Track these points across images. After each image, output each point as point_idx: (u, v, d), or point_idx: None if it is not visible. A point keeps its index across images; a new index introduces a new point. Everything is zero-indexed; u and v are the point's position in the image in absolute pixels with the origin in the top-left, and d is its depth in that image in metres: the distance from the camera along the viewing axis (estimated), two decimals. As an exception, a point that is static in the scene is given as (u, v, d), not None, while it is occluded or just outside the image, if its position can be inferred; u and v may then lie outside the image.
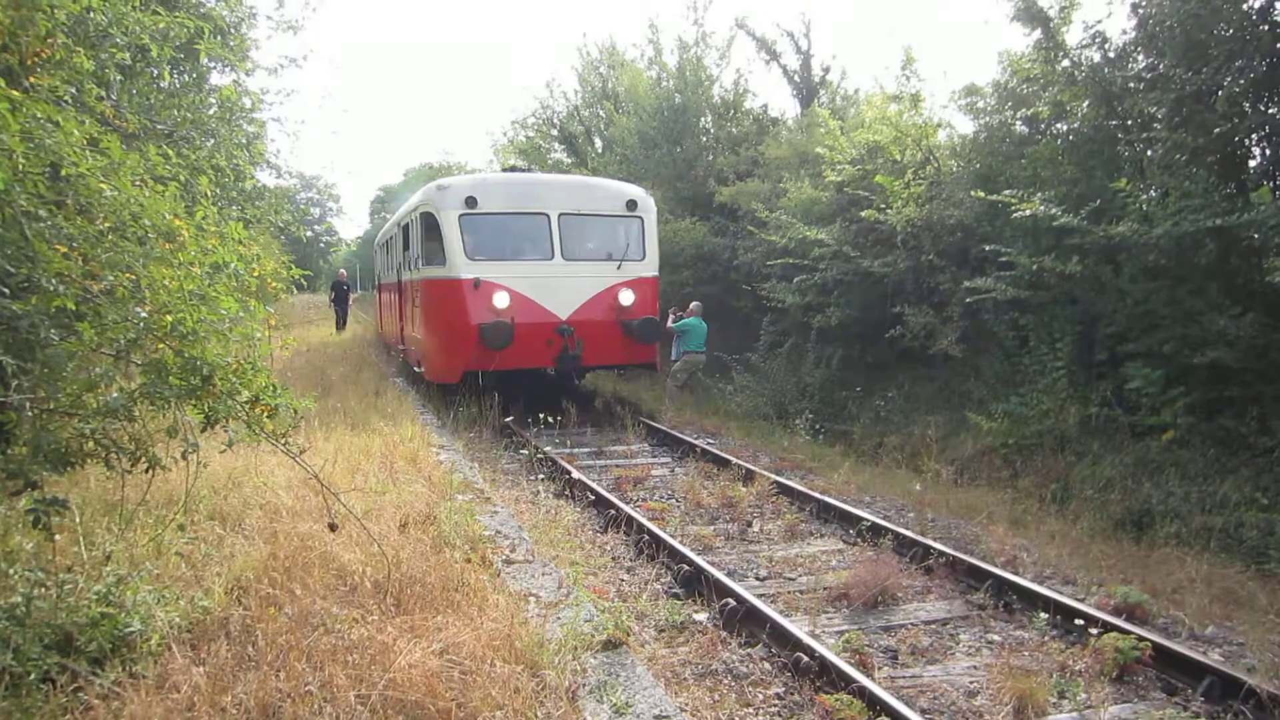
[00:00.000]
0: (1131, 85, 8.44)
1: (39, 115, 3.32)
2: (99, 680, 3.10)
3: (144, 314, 3.43)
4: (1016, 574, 5.58)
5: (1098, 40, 8.79)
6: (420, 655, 3.26)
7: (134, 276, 3.48)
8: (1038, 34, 9.26)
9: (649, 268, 11.35)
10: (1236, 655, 4.62)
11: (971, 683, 4.30)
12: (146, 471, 3.64)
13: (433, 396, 11.55)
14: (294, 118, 69.83)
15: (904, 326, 10.85)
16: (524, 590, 4.54)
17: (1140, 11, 8.21)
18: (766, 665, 4.48)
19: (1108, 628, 4.59)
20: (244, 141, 9.67)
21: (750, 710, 4.05)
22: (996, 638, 4.88)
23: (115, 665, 3.23)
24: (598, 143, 24.39)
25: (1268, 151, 7.87)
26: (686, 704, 3.98)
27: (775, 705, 4.09)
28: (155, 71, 8.09)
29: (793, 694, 4.18)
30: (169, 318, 3.43)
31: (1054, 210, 8.29)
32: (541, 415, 9.61)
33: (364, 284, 45.25)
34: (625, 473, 8.57)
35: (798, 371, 12.67)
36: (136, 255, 3.49)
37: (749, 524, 7.00)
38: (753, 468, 8.30)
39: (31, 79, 4.15)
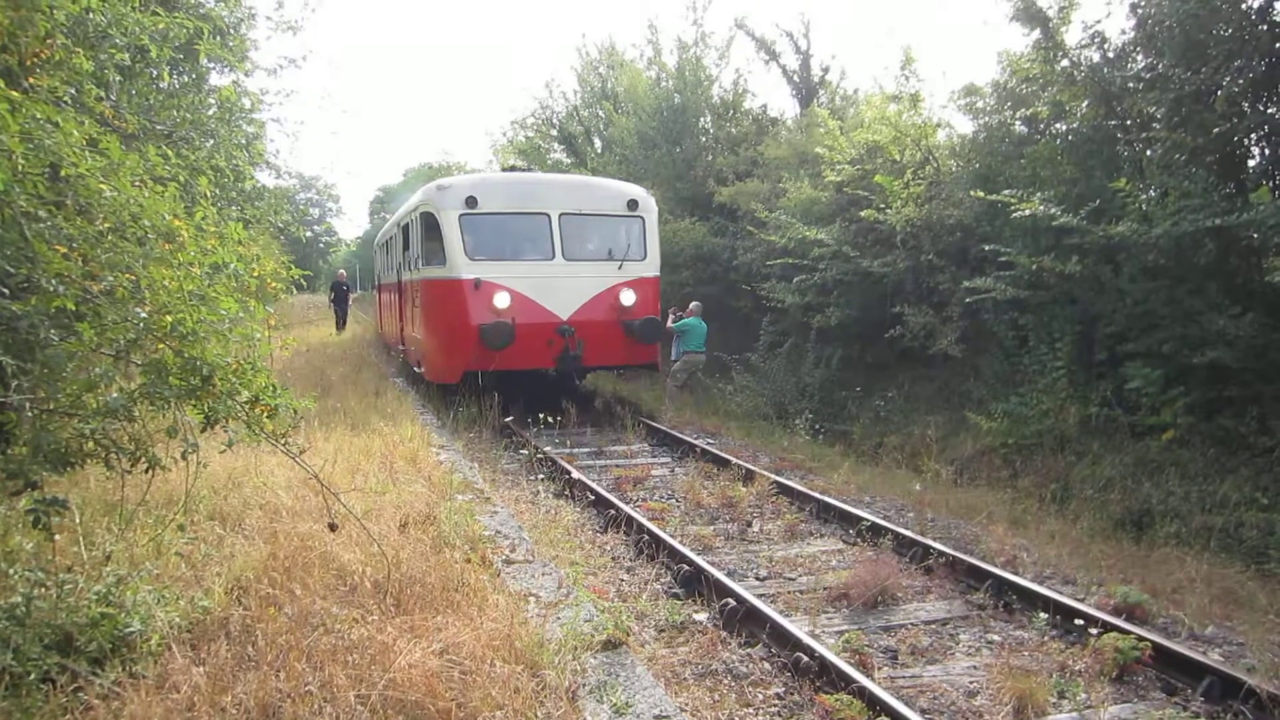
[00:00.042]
0: (1131, 85, 8.45)
1: (38, 116, 3.32)
2: (99, 680, 3.10)
3: (144, 314, 3.43)
4: (1016, 574, 5.58)
5: (1097, 40, 8.80)
6: (420, 655, 3.26)
7: (134, 277, 3.48)
8: (1037, 34, 9.28)
9: (650, 268, 11.34)
10: (1236, 655, 4.62)
11: (971, 683, 4.30)
12: (146, 471, 3.64)
13: (432, 397, 11.55)
14: (293, 118, 69.87)
15: (904, 326, 10.85)
16: (524, 590, 4.54)
17: (1139, 11, 8.22)
18: (766, 665, 4.48)
19: (1107, 628, 4.59)
20: (243, 142, 9.68)
21: (750, 710, 4.05)
22: (996, 638, 4.88)
23: (115, 665, 3.23)
24: (597, 143, 24.39)
25: (1267, 151, 7.88)
26: (686, 704, 3.98)
27: (775, 705, 4.09)
28: (155, 72, 8.09)
29: (792, 694, 4.18)
30: (169, 318, 3.43)
31: (1053, 210, 8.29)
32: (541, 415, 9.60)
33: (364, 284, 45.25)
34: (625, 473, 8.57)
35: (797, 371, 12.67)
36: (136, 256, 3.49)
37: (749, 524, 7.00)
38: (752, 468, 8.30)
39: (31, 80, 4.16)
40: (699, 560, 5.66)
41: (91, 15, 5.32)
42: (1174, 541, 6.41)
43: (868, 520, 6.61)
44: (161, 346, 3.46)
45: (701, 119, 19.19)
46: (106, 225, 3.55)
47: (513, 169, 14.97)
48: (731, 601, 4.98)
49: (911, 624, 5.03)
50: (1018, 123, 10.30)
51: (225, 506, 5.28)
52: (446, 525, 5.18)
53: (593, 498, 7.43)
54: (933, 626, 5.04)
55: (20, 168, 3.18)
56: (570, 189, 11.46)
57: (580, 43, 36.72)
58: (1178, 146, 7.86)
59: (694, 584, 5.43)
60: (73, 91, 4.56)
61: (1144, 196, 8.20)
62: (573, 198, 11.11)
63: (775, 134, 17.50)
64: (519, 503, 7.05)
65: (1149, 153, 8.65)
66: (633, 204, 11.27)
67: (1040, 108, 9.67)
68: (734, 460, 8.61)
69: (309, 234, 42.63)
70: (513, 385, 10.92)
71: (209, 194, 4.83)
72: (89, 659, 3.23)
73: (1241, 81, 7.36)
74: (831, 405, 11.96)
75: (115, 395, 3.47)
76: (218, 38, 8.25)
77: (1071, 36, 9.20)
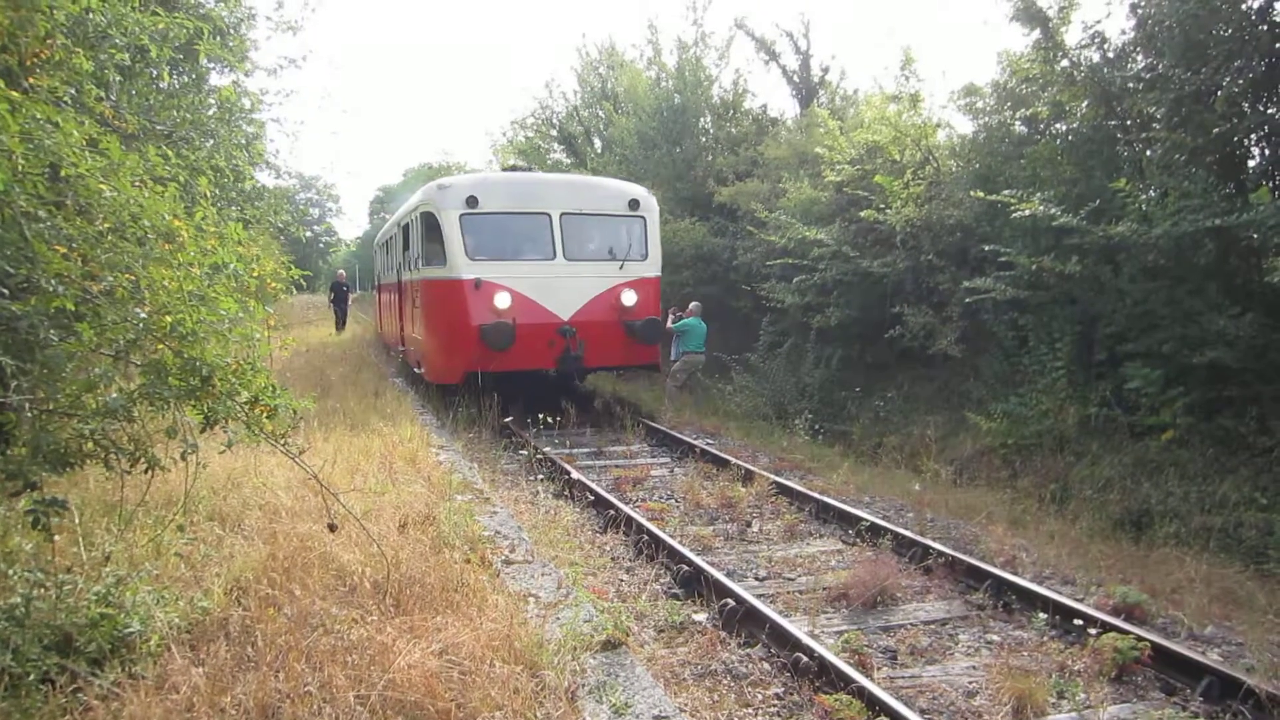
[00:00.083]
0: (1130, 85, 8.45)
1: (38, 116, 3.33)
2: (98, 681, 3.10)
3: (143, 314, 3.44)
4: (1016, 574, 5.58)
5: (1097, 40, 8.80)
6: (420, 656, 3.26)
7: (133, 277, 3.48)
8: (1037, 34, 9.28)
9: (651, 268, 11.32)
10: (1235, 655, 4.62)
11: (970, 683, 4.30)
12: (146, 472, 3.64)
13: (432, 397, 11.55)
14: (293, 118, 69.84)
15: (903, 326, 10.85)
16: (523, 590, 4.54)
17: (1139, 12, 8.22)
18: (766, 665, 4.48)
19: (1107, 628, 4.60)
20: (243, 142, 9.68)
21: (749, 710, 4.05)
22: (995, 638, 4.88)
23: (114, 666, 3.23)
24: (597, 143, 24.39)
25: (1266, 151, 7.88)
26: (686, 704, 3.98)
27: (774, 705, 4.10)
28: (154, 72, 8.09)
29: (792, 694, 4.19)
30: (168, 318, 3.44)
31: (1053, 210, 8.30)
32: (541, 415, 9.60)
33: (364, 284, 45.25)
34: (624, 473, 8.57)
35: (797, 372, 12.67)
36: (136, 256, 3.49)
37: (748, 524, 7.00)
38: (752, 468, 8.30)
39: (31, 80, 4.16)
40: (698, 560, 5.66)
41: (91, 15, 5.32)
42: (1173, 541, 6.41)
43: (867, 520, 6.61)
44: (161, 347, 3.46)
45: (701, 119, 19.20)
46: (106, 225, 3.55)
47: (513, 169, 14.94)
48: (731, 602, 4.98)
49: (911, 624, 5.04)
50: (1018, 123, 10.30)
51: (225, 507, 5.28)
52: (446, 525, 5.18)
53: (592, 498, 7.43)
54: (932, 626, 5.04)
55: (20, 168, 3.18)
56: (571, 189, 11.44)
57: (580, 43, 36.80)
58: (1178, 147, 7.87)
59: (693, 584, 5.43)
60: (73, 91, 4.56)
61: (1144, 197, 8.21)
62: (574, 197, 11.09)
63: (775, 134, 17.51)
64: (518, 503, 7.05)
65: (1149, 153, 8.66)
66: (634, 204, 11.25)
67: (1040, 108, 9.68)
68: (733, 460, 8.60)
69: (309, 234, 42.65)
70: (512, 385, 10.90)
71: (209, 194, 4.84)
72: (88, 660, 3.23)
73: (1241, 82, 7.36)
74: (831, 405, 11.96)
75: (115, 395, 3.47)
76: (218, 38, 8.25)
77: (1071, 37, 9.22)
